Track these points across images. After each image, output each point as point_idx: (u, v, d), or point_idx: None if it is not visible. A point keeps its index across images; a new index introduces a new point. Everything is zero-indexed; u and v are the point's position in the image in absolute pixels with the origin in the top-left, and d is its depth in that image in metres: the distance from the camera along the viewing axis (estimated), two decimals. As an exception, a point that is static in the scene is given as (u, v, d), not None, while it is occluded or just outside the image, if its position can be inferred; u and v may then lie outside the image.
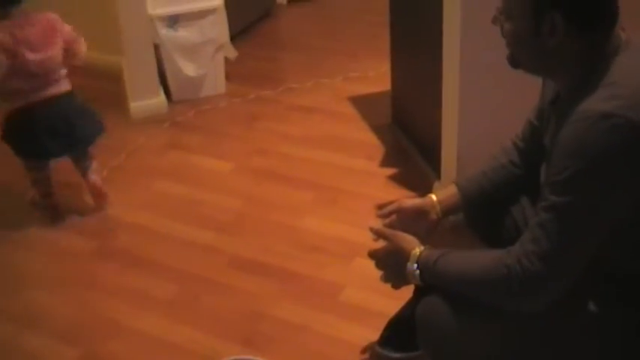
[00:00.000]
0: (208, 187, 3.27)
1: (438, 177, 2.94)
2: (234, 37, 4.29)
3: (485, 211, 1.95)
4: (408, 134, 3.41)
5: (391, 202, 2.03)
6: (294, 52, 4.82)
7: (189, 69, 4.00)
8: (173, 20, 3.89)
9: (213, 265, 2.75)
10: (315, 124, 3.76)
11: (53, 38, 2.90)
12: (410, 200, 2.00)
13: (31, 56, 2.83)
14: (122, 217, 3.10)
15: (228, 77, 4.19)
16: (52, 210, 3.11)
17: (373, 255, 1.83)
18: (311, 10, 5.48)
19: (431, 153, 3.04)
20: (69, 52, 2.98)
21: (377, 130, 3.61)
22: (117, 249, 2.90)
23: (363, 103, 3.89)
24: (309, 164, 3.38)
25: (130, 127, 3.84)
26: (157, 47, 3.90)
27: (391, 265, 1.77)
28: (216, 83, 4.13)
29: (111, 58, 4.16)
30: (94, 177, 3.11)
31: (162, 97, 3.98)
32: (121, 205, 3.17)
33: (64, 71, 2.99)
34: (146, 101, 3.92)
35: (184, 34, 3.92)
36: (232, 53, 4.18)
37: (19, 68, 2.83)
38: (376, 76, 4.10)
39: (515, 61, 1.59)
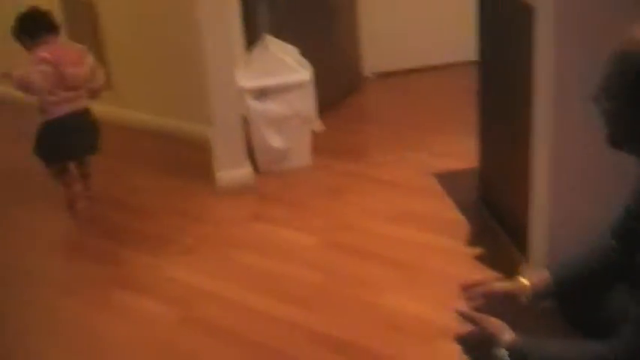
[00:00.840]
0: (290, 260, 3.26)
1: (526, 259, 2.84)
2: (321, 110, 4.33)
3: (579, 298, 1.86)
4: (494, 213, 3.33)
5: (477, 283, 1.96)
6: (380, 126, 4.83)
7: (276, 141, 4.04)
8: (262, 93, 3.96)
9: (293, 340, 2.71)
10: (399, 199, 3.73)
11: (83, 59, 3.67)
12: (499, 283, 1.93)
13: (70, 69, 3.56)
14: (204, 286, 3.11)
15: (314, 150, 4.21)
16: (71, 198, 3.82)
17: (460, 340, 1.76)
18: (398, 84, 5.50)
19: (519, 234, 2.95)
20: (91, 74, 3.71)
21: (462, 207, 3.54)
22: (198, 318, 2.90)
23: (448, 179, 3.84)
24: (393, 241, 3.34)
25: (216, 197, 3.89)
26: (244, 118, 3.97)
27: (479, 350, 1.70)
28: (302, 155, 4.16)
29: (199, 128, 4.26)
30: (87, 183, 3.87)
31: (248, 167, 4.02)
32: (204, 274, 3.20)
33: (87, 90, 3.70)
34: (233, 171, 3.97)
35: (272, 106, 3.98)
36: (319, 126, 4.21)
37: (60, 79, 3.52)
38: (462, 152, 4.04)
39: (613, 141, 1.54)
